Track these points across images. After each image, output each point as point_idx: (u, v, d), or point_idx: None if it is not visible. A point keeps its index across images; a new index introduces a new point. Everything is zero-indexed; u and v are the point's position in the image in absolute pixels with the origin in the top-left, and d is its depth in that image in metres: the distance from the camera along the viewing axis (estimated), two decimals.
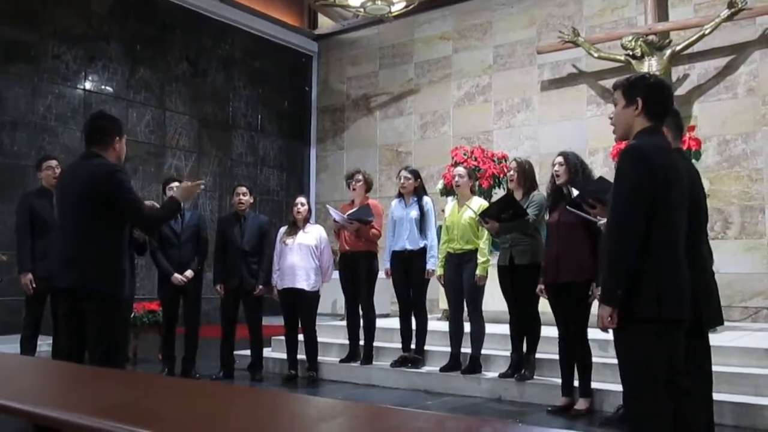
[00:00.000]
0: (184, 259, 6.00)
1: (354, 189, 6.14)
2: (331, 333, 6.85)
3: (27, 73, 8.62)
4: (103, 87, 9.42)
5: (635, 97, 2.76)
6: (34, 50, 8.68)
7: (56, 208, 3.72)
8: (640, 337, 2.62)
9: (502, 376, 5.32)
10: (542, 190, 5.35)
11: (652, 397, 2.63)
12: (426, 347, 5.93)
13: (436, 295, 7.14)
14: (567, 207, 4.44)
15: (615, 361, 4.56)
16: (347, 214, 5.94)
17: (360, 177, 6.12)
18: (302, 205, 6.10)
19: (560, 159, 4.80)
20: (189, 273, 5.96)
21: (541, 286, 4.85)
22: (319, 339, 6.21)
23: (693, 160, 6.00)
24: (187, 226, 6.09)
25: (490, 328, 5.58)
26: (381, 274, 6.10)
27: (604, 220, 3.93)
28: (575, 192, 4.48)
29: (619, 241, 2.64)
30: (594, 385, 4.75)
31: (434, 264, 5.75)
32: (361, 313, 6.09)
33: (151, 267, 6.18)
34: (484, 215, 5.14)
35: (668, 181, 2.66)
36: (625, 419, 4.02)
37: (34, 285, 5.27)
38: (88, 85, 9.25)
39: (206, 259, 6.27)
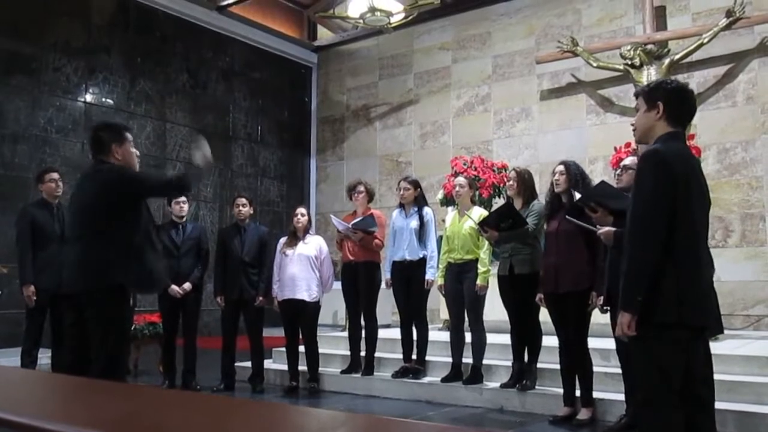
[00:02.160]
0: (184, 271, 6.00)
1: (356, 200, 6.15)
2: (332, 344, 6.84)
3: (28, 85, 8.65)
4: (103, 99, 9.45)
5: (656, 101, 2.73)
6: (34, 63, 8.71)
7: (67, 218, 3.79)
8: (658, 343, 2.59)
9: (503, 386, 5.30)
10: (542, 198, 5.34)
11: (667, 404, 2.59)
12: (427, 357, 5.92)
13: (437, 305, 7.13)
14: (566, 217, 4.44)
15: (617, 370, 4.57)
16: (351, 223, 5.94)
17: (362, 188, 6.13)
18: (302, 215, 6.10)
19: (561, 168, 4.77)
20: (187, 285, 5.96)
21: (540, 295, 4.84)
22: (320, 350, 6.19)
23: None
24: (188, 237, 6.10)
25: (491, 338, 5.57)
26: (382, 284, 6.10)
27: (603, 229, 3.94)
28: (578, 196, 4.48)
29: (639, 247, 2.60)
30: (596, 394, 4.73)
31: (434, 274, 5.75)
32: (362, 323, 6.08)
33: None
34: (483, 224, 5.13)
35: (689, 186, 2.64)
36: (636, 425, 4.00)
37: (35, 297, 5.27)
38: (88, 98, 9.28)
39: (207, 271, 6.28)
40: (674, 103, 2.74)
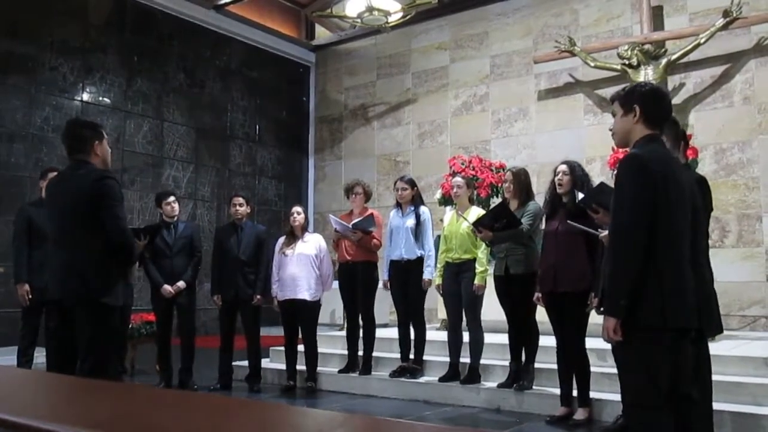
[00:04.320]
0: (176, 270, 5.97)
1: (353, 201, 6.16)
2: (330, 343, 6.84)
3: (24, 85, 8.63)
4: (100, 98, 9.44)
5: (632, 105, 2.75)
6: (31, 62, 8.69)
7: (48, 219, 3.68)
8: (644, 346, 2.60)
9: (500, 386, 5.30)
10: (539, 198, 5.33)
11: (655, 407, 2.60)
12: (425, 357, 5.92)
13: (435, 305, 7.13)
14: (568, 222, 4.42)
15: (614, 370, 4.56)
16: (351, 223, 5.94)
17: (359, 189, 6.14)
18: (298, 213, 6.10)
19: (565, 168, 4.72)
20: (180, 284, 5.94)
21: (538, 294, 4.84)
22: (318, 349, 6.19)
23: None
24: (180, 237, 6.06)
25: (488, 338, 5.57)
26: (380, 284, 6.09)
27: (605, 233, 3.93)
28: (581, 196, 4.47)
29: (621, 252, 2.62)
30: (593, 394, 4.73)
31: (431, 274, 5.75)
32: (360, 323, 6.08)
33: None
34: (478, 224, 5.13)
35: (668, 189, 2.64)
36: (625, 428, 4.00)
37: (30, 296, 5.26)
38: (85, 97, 9.26)
39: (200, 270, 6.25)
40: (650, 105, 2.76)
